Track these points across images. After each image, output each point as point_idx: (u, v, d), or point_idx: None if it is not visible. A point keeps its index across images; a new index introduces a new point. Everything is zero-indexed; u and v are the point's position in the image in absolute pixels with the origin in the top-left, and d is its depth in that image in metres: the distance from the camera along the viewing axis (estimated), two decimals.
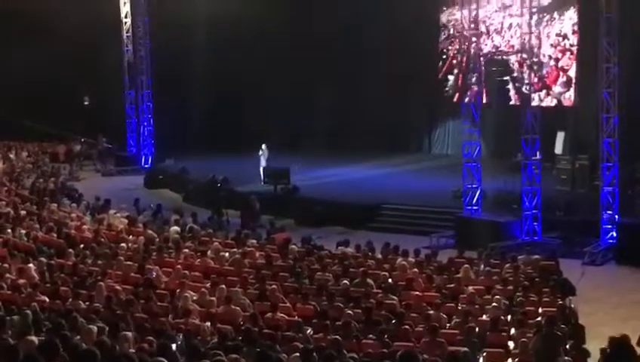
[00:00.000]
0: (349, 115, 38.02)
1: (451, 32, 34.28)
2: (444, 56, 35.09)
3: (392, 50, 35.60)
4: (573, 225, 23.06)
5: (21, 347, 8.81)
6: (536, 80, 23.99)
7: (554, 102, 29.42)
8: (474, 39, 24.97)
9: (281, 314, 14.31)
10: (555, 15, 29.87)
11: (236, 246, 20.09)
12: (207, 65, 37.31)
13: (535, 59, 23.78)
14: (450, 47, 34.65)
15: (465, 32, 25.38)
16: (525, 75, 24.10)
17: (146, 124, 38.06)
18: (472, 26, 24.54)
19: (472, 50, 24.98)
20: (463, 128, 25.68)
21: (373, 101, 37.02)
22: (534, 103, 23.88)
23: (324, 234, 23.91)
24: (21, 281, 16.16)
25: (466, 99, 24.60)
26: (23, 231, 21.21)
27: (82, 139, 42.23)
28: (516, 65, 27.96)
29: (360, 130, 37.78)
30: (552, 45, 29.73)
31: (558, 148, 29.11)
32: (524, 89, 24.12)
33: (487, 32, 31.27)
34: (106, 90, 39.94)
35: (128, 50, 37.78)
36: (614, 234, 22.15)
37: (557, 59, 29.78)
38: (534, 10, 23.58)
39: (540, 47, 24.41)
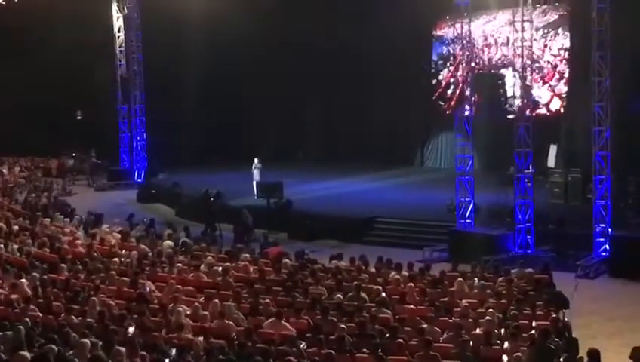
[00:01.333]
0: (342, 129, 38.13)
1: (445, 50, 34.54)
2: (440, 71, 35.27)
3: (386, 65, 35.76)
4: (567, 238, 23.07)
5: None
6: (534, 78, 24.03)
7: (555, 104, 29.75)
8: (467, 53, 25.06)
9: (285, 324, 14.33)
10: (560, 31, 30.44)
11: (229, 261, 20.08)
12: (200, 79, 37.37)
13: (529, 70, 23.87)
14: (446, 63, 34.86)
15: (462, 47, 25.37)
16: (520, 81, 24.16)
17: (139, 138, 38.06)
18: (466, 41, 24.63)
19: (466, 64, 25.05)
20: (455, 141, 25.71)
21: (366, 115, 37.13)
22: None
23: (317, 248, 23.92)
24: (14, 296, 16.12)
25: (463, 112, 24.58)
26: (16, 246, 21.19)
27: (74, 154, 42.16)
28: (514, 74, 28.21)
29: (353, 143, 37.87)
30: (552, 55, 30.25)
31: (551, 162, 29.17)
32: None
33: (495, 44, 31.54)
34: (99, 104, 39.95)
35: (121, 65, 37.80)
36: (607, 247, 22.15)
37: (555, 65, 30.32)
38: (540, 25, 23.72)
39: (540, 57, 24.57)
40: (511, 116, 25.86)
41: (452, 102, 32.23)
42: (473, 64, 25.45)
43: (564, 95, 31.13)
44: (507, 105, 27.60)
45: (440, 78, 35.58)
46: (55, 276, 18.26)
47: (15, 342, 11.51)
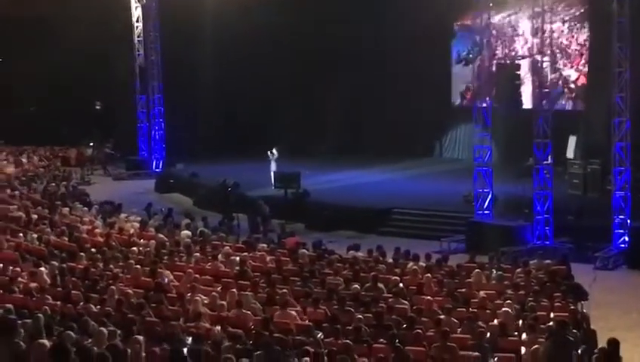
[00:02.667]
0: (360, 119, 38.06)
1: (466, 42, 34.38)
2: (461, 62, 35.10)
3: (403, 55, 35.58)
4: (585, 230, 22.99)
5: (33, 351, 8.86)
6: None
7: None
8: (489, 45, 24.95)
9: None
10: (586, 24, 30.30)
11: (247, 251, 20.13)
12: (217, 69, 37.38)
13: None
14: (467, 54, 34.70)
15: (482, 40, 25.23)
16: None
17: (157, 128, 38.13)
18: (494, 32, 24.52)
19: (486, 56, 24.96)
20: (474, 132, 25.63)
21: (383, 105, 37.03)
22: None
23: (334, 239, 23.92)
24: (33, 285, 16.23)
25: (482, 103, 24.47)
26: (35, 235, 21.30)
27: (91, 144, 42.33)
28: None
29: (370, 134, 37.83)
30: (579, 44, 30.30)
31: (570, 153, 29.03)
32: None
33: (517, 35, 31.40)
34: (117, 94, 40.06)
35: (139, 55, 37.85)
36: (626, 239, 22.06)
37: (582, 53, 30.30)
38: (567, 18, 23.57)
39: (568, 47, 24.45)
40: (526, 107, 25.66)
41: (471, 94, 32.04)
42: (494, 56, 25.29)
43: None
44: (522, 97, 27.50)
45: (460, 69, 35.40)
46: (74, 265, 18.37)
47: (34, 330, 11.58)
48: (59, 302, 15.04)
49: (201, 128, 37.73)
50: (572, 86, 31.17)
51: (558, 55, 23.06)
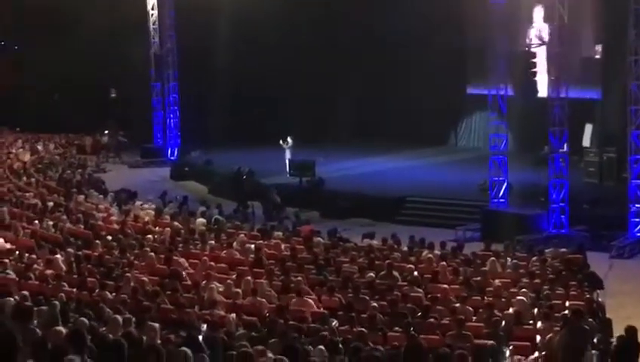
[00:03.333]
0: (375, 107, 37.95)
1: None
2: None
3: (420, 44, 35.41)
4: (601, 218, 22.93)
5: (49, 337, 8.88)
6: None
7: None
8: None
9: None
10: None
11: (262, 238, 20.15)
12: (232, 57, 37.32)
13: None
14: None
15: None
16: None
17: (172, 116, 38.17)
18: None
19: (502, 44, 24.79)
20: (489, 120, 25.54)
21: (398, 93, 36.92)
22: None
23: (349, 227, 23.90)
24: (49, 272, 16.30)
25: (498, 91, 24.35)
26: (51, 223, 21.38)
27: (106, 131, 42.43)
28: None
29: (385, 122, 37.73)
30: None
31: (586, 141, 28.91)
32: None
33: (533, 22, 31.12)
34: (132, 82, 40.11)
35: (155, 43, 37.87)
36: None
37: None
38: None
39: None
40: (542, 95, 25.54)
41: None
42: (509, 43, 25.11)
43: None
44: (537, 85, 27.36)
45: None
46: (89, 252, 18.41)
47: (50, 316, 11.62)
48: (74, 289, 15.09)
49: (216, 116, 37.65)
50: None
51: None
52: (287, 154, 30.41)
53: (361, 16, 36.02)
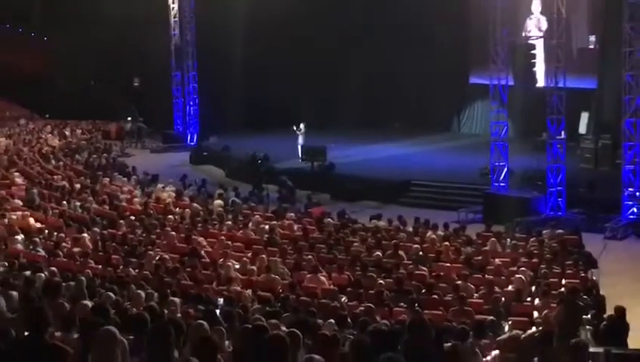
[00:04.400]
0: (382, 95, 37.83)
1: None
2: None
3: (423, 34, 35.20)
4: (596, 202, 22.84)
5: (76, 311, 8.93)
6: None
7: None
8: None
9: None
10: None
11: (275, 219, 20.18)
12: (248, 48, 37.26)
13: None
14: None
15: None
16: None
17: (191, 103, 38.17)
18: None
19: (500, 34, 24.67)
20: (490, 109, 25.47)
21: (404, 83, 36.80)
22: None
23: (357, 209, 23.90)
24: (76, 250, 16.39)
25: (499, 81, 24.23)
26: (78, 204, 21.48)
27: (129, 118, 42.48)
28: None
29: (392, 110, 37.63)
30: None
31: (582, 128, 28.79)
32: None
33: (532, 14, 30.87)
34: (154, 72, 40.10)
35: (175, 35, 37.83)
36: (635, 210, 21.92)
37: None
38: None
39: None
40: (540, 85, 25.42)
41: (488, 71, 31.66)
42: (509, 34, 24.97)
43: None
44: (536, 75, 27.23)
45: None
46: (114, 231, 18.52)
47: (77, 292, 11.68)
48: (100, 266, 15.20)
49: (233, 104, 37.60)
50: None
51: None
52: (300, 141, 30.35)
53: (370, 8, 35.81)
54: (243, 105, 37.87)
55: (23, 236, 17.87)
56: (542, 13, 28.18)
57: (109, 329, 6.62)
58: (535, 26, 29.99)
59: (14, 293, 10.55)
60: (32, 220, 19.59)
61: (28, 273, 13.14)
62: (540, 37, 27.64)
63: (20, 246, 16.95)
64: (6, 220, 18.94)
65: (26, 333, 6.93)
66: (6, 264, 14.71)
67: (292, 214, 21.00)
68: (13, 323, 8.18)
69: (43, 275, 12.92)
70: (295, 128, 30.56)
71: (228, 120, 37.38)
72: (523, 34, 28.25)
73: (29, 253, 16.36)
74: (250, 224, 19.30)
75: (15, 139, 35.82)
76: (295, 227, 19.28)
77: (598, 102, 29.36)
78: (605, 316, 12.77)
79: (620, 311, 12.15)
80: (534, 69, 27.16)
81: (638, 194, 21.97)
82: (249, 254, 16.44)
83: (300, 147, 29.97)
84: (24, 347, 6.67)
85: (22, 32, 51.44)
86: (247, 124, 37.14)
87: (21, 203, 21.35)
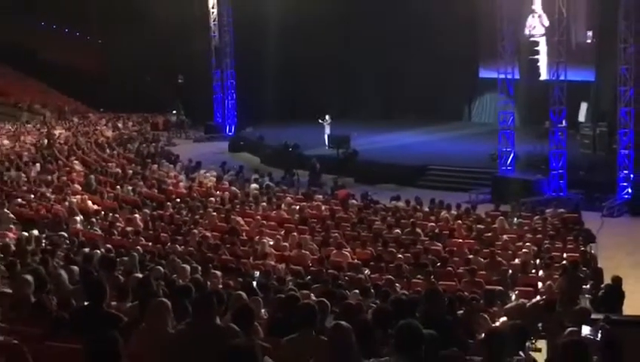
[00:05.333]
0: (401, 88, 37.62)
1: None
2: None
3: (438, 32, 34.82)
4: (594, 183, 22.66)
5: (129, 282, 9.02)
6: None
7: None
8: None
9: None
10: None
11: (305, 201, 20.21)
12: (279, 48, 37.20)
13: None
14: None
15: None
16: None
17: (229, 98, 38.20)
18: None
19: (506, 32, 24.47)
20: (499, 100, 25.32)
21: (420, 76, 36.51)
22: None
23: (378, 191, 23.85)
24: (128, 229, 16.52)
25: (506, 74, 24.04)
26: (130, 188, 21.64)
27: (174, 111, 42.63)
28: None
29: (410, 101, 37.42)
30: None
31: (582, 117, 28.49)
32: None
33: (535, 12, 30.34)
34: (196, 70, 40.18)
35: (215, 36, 37.83)
36: (629, 191, 21.73)
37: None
38: None
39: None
40: (543, 78, 25.18)
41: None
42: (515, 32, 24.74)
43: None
44: (540, 70, 26.94)
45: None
46: (162, 212, 18.64)
47: (130, 265, 11.80)
48: (150, 243, 15.30)
49: (267, 97, 37.60)
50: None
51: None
52: (326, 130, 30.32)
53: (389, 12, 35.58)
54: (276, 98, 37.90)
55: (81, 217, 18.05)
56: (543, 10, 27.80)
57: (161, 299, 6.69)
58: (539, 23, 29.55)
59: (75, 268, 10.66)
60: (89, 203, 19.78)
61: (86, 249, 13.28)
62: (543, 35, 27.34)
63: (79, 226, 17.13)
64: (67, 203, 19.15)
65: (85, 303, 7.02)
66: (67, 242, 14.89)
67: (320, 196, 21.04)
68: (74, 294, 8.27)
69: (100, 251, 13.06)
70: (321, 120, 30.52)
71: (262, 112, 37.43)
72: (527, 31, 27.85)
73: (88, 232, 16.54)
74: (283, 205, 19.36)
75: (74, 131, 36.12)
76: (323, 208, 19.31)
77: (595, 93, 29.06)
78: (603, 285, 12.71)
79: (617, 281, 12.10)
80: (538, 63, 26.97)
81: (632, 176, 21.78)
82: (282, 232, 16.50)
83: (326, 136, 29.94)
84: (84, 315, 6.76)
85: (79, 35, 51.84)
86: (279, 116, 37.17)
87: (80, 188, 21.55)
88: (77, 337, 6.14)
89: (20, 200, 19.75)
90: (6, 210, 18.13)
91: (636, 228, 20.13)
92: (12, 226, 16.72)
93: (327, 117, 30.57)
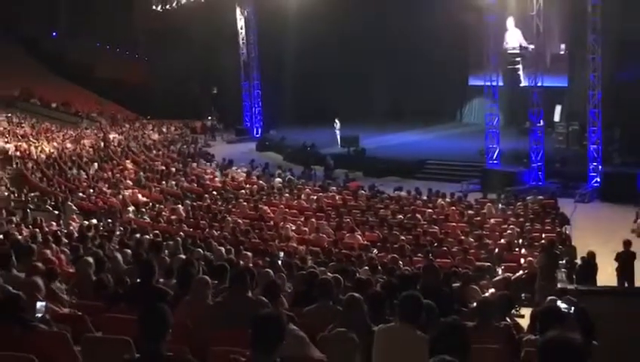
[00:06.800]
0: (401, 94, 37.45)
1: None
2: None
3: (433, 45, 34.45)
4: (568, 174, 22.54)
5: (174, 263, 9.07)
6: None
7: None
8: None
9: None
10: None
11: (321, 192, 20.21)
12: (298, 62, 37.11)
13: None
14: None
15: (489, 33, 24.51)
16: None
17: (256, 105, 38.18)
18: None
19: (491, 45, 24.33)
20: (485, 103, 25.22)
21: (419, 84, 36.27)
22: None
23: (384, 183, 23.80)
24: (173, 217, 16.63)
25: (492, 81, 23.91)
26: (173, 183, 21.77)
27: (209, 117, 42.69)
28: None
29: (410, 105, 37.23)
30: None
31: (557, 117, 28.28)
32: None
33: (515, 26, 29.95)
34: (228, 82, 40.21)
35: (243, 53, 37.83)
36: (598, 180, 21.59)
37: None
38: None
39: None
40: (523, 84, 25.01)
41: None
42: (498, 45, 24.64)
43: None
44: (520, 77, 26.76)
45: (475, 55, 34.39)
46: (200, 203, 18.73)
47: (174, 248, 11.87)
48: (191, 229, 15.39)
49: (287, 104, 37.55)
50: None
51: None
52: (337, 132, 30.29)
53: (390, 29, 35.39)
54: (295, 105, 37.83)
55: (133, 208, 18.19)
56: (521, 27, 27.57)
57: (201, 276, 6.73)
58: (514, 37, 29.21)
59: (128, 251, 10.75)
60: (139, 196, 19.92)
61: (137, 235, 13.38)
62: (524, 47, 27.18)
63: (131, 215, 17.26)
64: (120, 196, 19.28)
65: (138, 280, 7.07)
66: (121, 229, 15.00)
67: (334, 188, 21.04)
68: (128, 272, 8.34)
69: (148, 237, 13.14)
70: (334, 123, 30.49)
71: (284, 117, 37.41)
72: (507, 45, 27.68)
73: (138, 220, 16.65)
74: (303, 196, 19.39)
75: (125, 135, 36.29)
76: (337, 197, 19.33)
77: (568, 96, 28.82)
78: (578, 259, 12.68)
79: (591, 255, 12.09)
80: (518, 72, 26.79)
81: (600, 167, 21.67)
82: (302, 218, 16.53)
83: (338, 137, 29.91)
84: (137, 290, 6.81)
85: (128, 53, 52.05)
86: (298, 120, 37.11)
87: (131, 183, 21.70)
88: (131, 309, 6.19)
89: (81, 194, 19.92)
90: (70, 203, 18.29)
91: (604, 212, 20.01)
92: (75, 216, 16.86)
93: (336, 120, 30.55)
